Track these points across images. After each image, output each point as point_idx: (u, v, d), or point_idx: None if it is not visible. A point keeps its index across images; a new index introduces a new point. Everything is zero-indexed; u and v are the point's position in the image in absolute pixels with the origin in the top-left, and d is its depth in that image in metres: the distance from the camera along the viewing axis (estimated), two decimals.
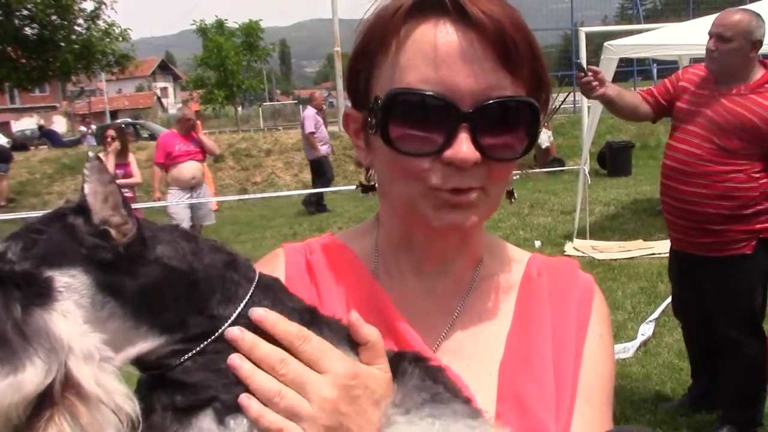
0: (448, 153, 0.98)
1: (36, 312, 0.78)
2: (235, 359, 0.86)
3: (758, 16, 4.28)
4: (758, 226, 4.21)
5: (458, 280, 1.16)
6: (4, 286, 0.79)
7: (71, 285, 0.81)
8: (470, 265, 1.17)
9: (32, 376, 0.75)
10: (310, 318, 0.94)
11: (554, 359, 1.07)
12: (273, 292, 0.95)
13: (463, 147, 0.97)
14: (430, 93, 0.97)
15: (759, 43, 4.19)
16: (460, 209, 1.02)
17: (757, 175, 4.17)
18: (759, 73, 4.21)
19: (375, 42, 1.04)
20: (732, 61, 4.21)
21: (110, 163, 9.66)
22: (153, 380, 0.87)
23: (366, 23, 1.06)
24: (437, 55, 0.97)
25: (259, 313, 0.88)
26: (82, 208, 0.85)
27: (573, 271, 1.19)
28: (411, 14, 1.01)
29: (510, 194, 1.14)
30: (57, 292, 0.80)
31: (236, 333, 0.86)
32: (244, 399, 0.84)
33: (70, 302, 0.80)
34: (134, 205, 9.81)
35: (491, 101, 0.97)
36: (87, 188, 0.85)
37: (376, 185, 1.15)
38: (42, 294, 0.79)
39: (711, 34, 4.28)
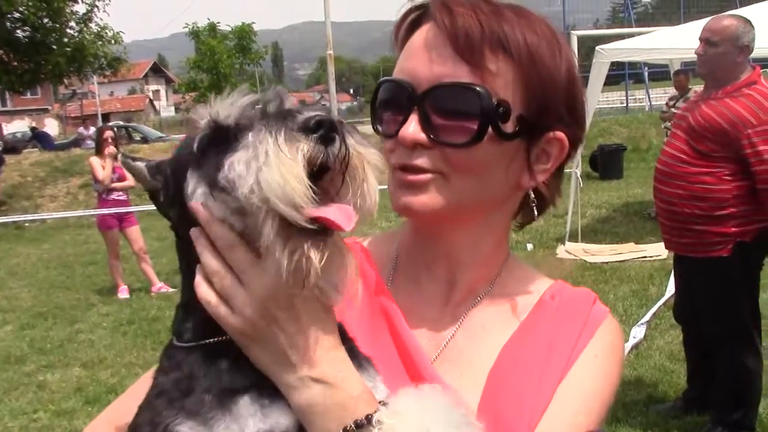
0: (400, 132, 1.05)
1: None
2: (195, 231, 0.91)
3: (747, 22, 4.34)
4: (733, 229, 4.26)
5: (469, 290, 1.16)
6: None
7: None
8: (484, 278, 1.17)
9: None
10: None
11: (541, 377, 1.06)
12: None
13: (410, 127, 1.04)
14: (395, 79, 1.07)
15: (746, 48, 4.25)
16: (410, 189, 1.06)
17: (729, 178, 4.22)
18: (745, 77, 4.27)
19: (396, 47, 1.14)
20: (718, 65, 4.29)
21: (108, 167, 9.60)
22: (206, 351, 0.93)
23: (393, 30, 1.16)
24: (411, 49, 1.08)
25: (197, 207, 0.90)
26: None
27: (588, 301, 1.16)
28: (413, 24, 1.11)
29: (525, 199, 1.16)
30: None
31: (197, 206, 0.89)
32: (198, 270, 0.92)
33: None
34: (128, 209, 9.83)
35: (438, 85, 1.03)
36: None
37: None
38: None
39: (700, 39, 4.36)
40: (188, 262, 0.95)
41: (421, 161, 1.04)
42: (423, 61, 1.05)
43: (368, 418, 0.89)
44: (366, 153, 0.88)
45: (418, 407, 0.91)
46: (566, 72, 1.08)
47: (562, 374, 1.07)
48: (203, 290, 0.91)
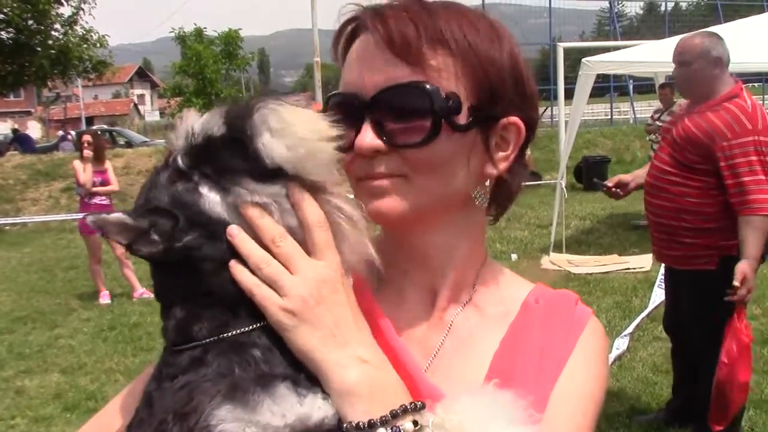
0: (355, 143, 1.04)
1: None
2: (233, 228, 0.92)
3: (714, 35, 4.40)
4: (720, 242, 4.27)
5: (452, 296, 1.15)
6: None
7: None
8: (465, 282, 1.16)
9: None
10: None
11: (534, 383, 1.06)
12: None
13: (365, 136, 1.03)
14: (342, 92, 1.07)
15: (720, 61, 4.25)
16: (375, 195, 1.05)
17: (713, 192, 4.22)
18: (726, 91, 4.28)
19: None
20: (696, 82, 4.30)
21: (88, 171, 9.53)
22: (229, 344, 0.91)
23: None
24: (352, 61, 1.08)
25: (244, 207, 0.93)
26: None
27: (571, 302, 1.18)
28: (348, 39, 1.11)
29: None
30: None
31: (244, 207, 0.93)
32: (233, 263, 0.93)
33: None
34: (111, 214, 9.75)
35: (384, 89, 1.03)
36: None
37: None
38: None
39: (673, 62, 4.40)
40: (197, 279, 0.93)
41: (382, 168, 1.04)
42: (364, 69, 1.05)
43: (414, 406, 0.91)
44: None
45: (476, 404, 0.90)
46: (509, 58, 1.08)
47: (554, 379, 1.08)
48: (247, 277, 0.92)
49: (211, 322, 0.91)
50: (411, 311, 1.14)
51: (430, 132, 1.03)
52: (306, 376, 0.91)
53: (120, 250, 9.82)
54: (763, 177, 4.10)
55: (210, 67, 37.32)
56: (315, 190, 0.94)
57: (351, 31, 1.11)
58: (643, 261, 9.75)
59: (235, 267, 0.93)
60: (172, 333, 0.94)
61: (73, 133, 33.44)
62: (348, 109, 1.05)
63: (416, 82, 1.02)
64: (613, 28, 34.63)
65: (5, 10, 26.38)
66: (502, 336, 1.12)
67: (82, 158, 9.65)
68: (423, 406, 0.92)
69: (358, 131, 1.04)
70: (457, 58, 1.04)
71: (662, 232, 4.50)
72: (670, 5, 36.09)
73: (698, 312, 4.49)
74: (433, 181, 1.06)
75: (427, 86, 1.02)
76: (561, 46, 11.20)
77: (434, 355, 1.11)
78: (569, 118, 10.57)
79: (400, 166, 1.04)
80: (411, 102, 1.03)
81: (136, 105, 78.05)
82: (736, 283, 4.07)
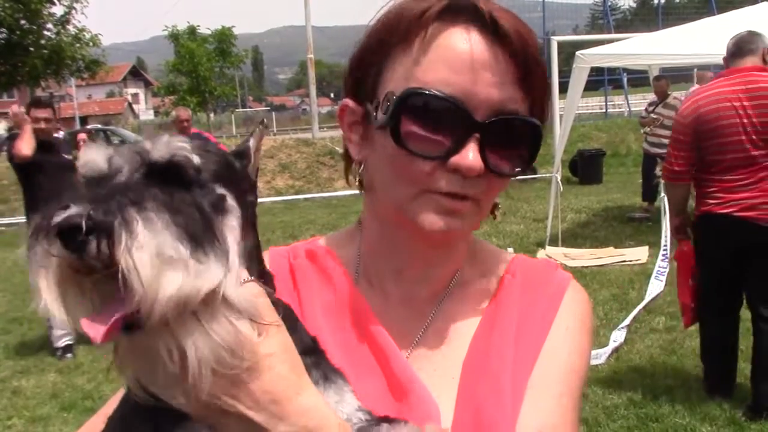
0: (455, 159, 0.98)
1: (217, 219, 0.79)
2: None
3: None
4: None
5: (435, 286, 1.15)
6: (193, 190, 0.79)
7: (234, 207, 0.82)
8: (450, 271, 1.17)
9: (215, 276, 0.73)
10: (313, 346, 0.95)
11: (515, 357, 1.06)
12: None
13: (470, 155, 0.98)
14: (449, 97, 0.96)
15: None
16: (451, 216, 1.02)
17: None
18: None
19: (396, 37, 1.01)
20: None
21: None
22: None
23: (384, 18, 1.04)
24: (461, 60, 0.97)
25: None
26: (242, 155, 0.91)
27: (550, 270, 1.18)
28: (441, 17, 1.00)
29: (494, 208, 1.14)
30: (227, 209, 0.81)
31: None
32: None
33: (235, 222, 0.81)
34: None
35: (505, 116, 0.99)
36: (251, 143, 0.92)
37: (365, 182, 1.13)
38: (218, 207, 0.80)
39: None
40: None
41: (471, 190, 1.01)
42: (485, 82, 0.97)
43: None
44: (149, 254, 0.69)
45: None
46: None
47: (536, 351, 1.07)
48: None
49: None
50: (393, 304, 1.14)
51: (527, 165, 1.04)
52: None
53: None
54: (671, 150, 5.01)
55: (203, 65, 37.30)
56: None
57: (451, 6, 1.00)
58: (639, 253, 9.76)
59: None
60: None
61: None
62: (448, 117, 0.98)
63: (532, 121, 1.02)
64: (607, 21, 34.68)
65: None
66: (480, 317, 1.13)
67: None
68: None
69: (458, 145, 0.98)
70: (542, 89, 1.04)
71: None
72: None
73: None
74: (489, 205, 1.08)
75: (538, 124, 1.02)
76: (555, 40, 11.19)
77: (416, 342, 1.12)
78: (564, 111, 10.58)
79: (479, 190, 1.02)
80: (521, 135, 1.02)
81: (130, 104, 77.84)
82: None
